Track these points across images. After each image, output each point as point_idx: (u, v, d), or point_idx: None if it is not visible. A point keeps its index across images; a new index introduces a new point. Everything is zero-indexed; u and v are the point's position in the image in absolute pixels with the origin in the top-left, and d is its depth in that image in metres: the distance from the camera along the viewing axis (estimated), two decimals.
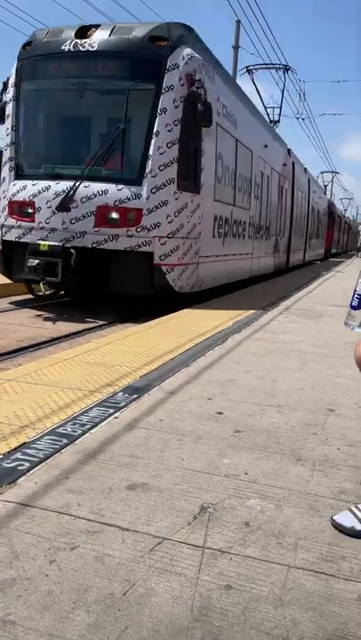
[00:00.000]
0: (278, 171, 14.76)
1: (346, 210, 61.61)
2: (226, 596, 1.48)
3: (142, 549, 1.67)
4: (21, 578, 1.51)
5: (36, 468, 2.16)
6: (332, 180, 42.96)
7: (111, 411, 2.87)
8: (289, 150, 16.99)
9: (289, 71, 18.45)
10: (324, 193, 34.48)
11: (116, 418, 2.78)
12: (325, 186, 40.04)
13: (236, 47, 18.17)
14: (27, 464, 2.20)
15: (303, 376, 3.86)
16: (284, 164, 15.88)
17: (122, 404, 2.98)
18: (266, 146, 12.82)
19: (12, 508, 1.85)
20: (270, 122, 17.33)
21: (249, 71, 17.62)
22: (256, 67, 17.79)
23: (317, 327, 6.08)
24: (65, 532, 1.74)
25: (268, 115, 17.67)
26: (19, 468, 2.16)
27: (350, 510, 1.89)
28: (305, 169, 21.12)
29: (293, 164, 17.20)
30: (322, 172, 40.96)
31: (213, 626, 1.37)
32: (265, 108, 18.33)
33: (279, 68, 18.17)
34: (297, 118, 41.19)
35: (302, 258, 21.28)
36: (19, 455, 2.28)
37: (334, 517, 1.87)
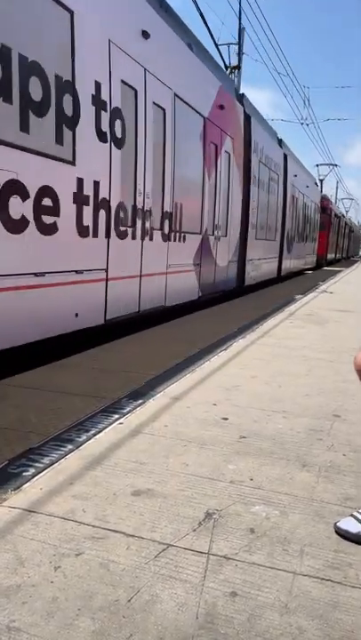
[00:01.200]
0: (205, 115, 8.15)
1: (347, 211, 53.62)
2: (231, 603, 1.47)
3: (147, 556, 1.66)
4: (26, 584, 1.51)
5: (41, 474, 2.16)
6: (330, 172, 34.94)
7: (116, 416, 2.87)
8: (241, 96, 10.79)
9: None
10: (317, 184, 27.03)
11: (121, 424, 2.78)
12: (321, 180, 32.75)
13: (239, 54, 18.23)
14: (32, 470, 2.20)
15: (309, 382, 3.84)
16: (221, 108, 8.89)
17: (126, 410, 2.98)
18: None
19: (18, 514, 1.85)
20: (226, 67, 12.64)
21: None
22: None
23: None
24: (70, 539, 1.73)
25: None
26: (24, 473, 2.17)
27: (353, 516, 1.87)
28: (279, 139, 14.47)
29: (249, 119, 10.50)
30: (317, 165, 33.36)
31: (219, 633, 1.36)
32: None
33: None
34: (301, 124, 41.12)
35: (276, 269, 14.26)
36: (24, 461, 2.28)
37: (338, 524, 1.86)
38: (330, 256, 29.76)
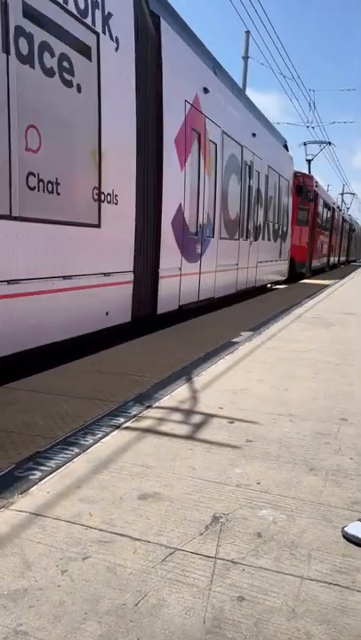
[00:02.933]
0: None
1: (348, 208, 45.60)
2: (238, 608, 1.47)
3: (154, 560, 1.66)
4: (33, 588, 1.51)
5: (47, 478, 2.17)
6: (321, 152, 24.00)
7: (122, 420, 2.87)
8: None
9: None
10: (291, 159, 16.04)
11: (128, 427, 2.78)
12: (309, 161, 23.53)
13: (245, 57, 18.28)
14: (38, 473, 2.20)
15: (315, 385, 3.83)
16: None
17: (133, 413, 2.98)
18: None
19: (25, 518, 1.86)
20: None
21: None
22: None
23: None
24: (77, 542, 1.73)
25: None
26: (31, 477, 2.17)
27: None
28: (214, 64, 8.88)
29: (158, 21, 6.33)
30: (305, 143, 24.00)
31: (226, 638, 1.36)
32: None
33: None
34: (307, 127, 40.98)
35: (176, 299, 7.31)
36: (31, 464, 2.28)
37: (346, 528, 1.85)
38: (315, 263, 20.48)
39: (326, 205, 22.89)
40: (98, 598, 1.48)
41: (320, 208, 20.51)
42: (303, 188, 16.77)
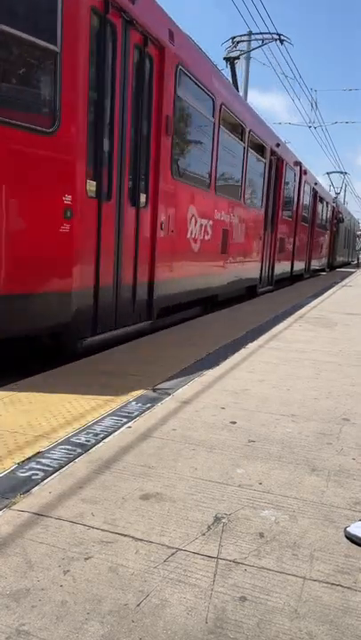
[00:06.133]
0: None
1: (338, 193, 29.80)
2: (241, 608, 1.47)
3: (156, 560, 1.66)
4: (35, 588, 1.51)
5: (50, 478, 2.17)
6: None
7: (124, 420, 2.88)
8: None
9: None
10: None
11: (130, 427, 2.78)
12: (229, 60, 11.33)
13: (247, 58, 18.25)
14: (41, 473, 2.21)
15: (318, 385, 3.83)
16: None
17: (135, 414, 2.99)
18: None
19: (27, 518, 1.86)
20: None
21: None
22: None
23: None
24: (79, 542, 1.74)
25: None
26: (33, 477, 2.17)
27: None
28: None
29: None
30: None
31: (228, 638, 1.36)
32: None
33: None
34: (309, 127, 40.94)
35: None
36: (33, 464, 2.29)
37: (348, 529, 1.85)
38: (278, 271, 12.28)
39: (316, 193, 17.05)
40: (100, 598, 1.48)
41: (300, 184, 14.04)
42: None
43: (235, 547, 1.75)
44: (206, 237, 7.32)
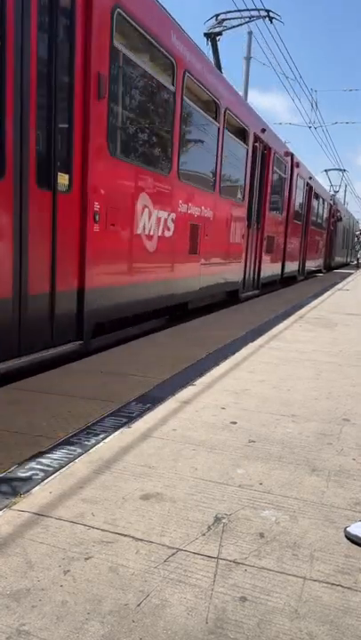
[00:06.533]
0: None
1: (336, 192, 27.86)
2: (241, 608, 1.47)
3: (156, 560, 1.66)
4: (36, 588, 1.51)
5: (50, 478, 2.17)
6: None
7: (125, 420, 2.88)
8: None
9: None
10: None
11: (130, 427, 2.78)
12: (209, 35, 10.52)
13: (247, 58, 18.25)
14: (41, 473, 2.21)
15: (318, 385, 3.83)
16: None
17: (135, 414, 2.99)
18: None
19: (27, 518, 1.86)
20: None
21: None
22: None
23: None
24: (79, 542, 1.74)
25: None
26: (33, 477, 2.17)
27: None
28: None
29: None
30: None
31: (229, 638, 1.36)
32: None
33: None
34: (309, 127, 40.80)
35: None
36: (33, 464, 2.29)
37: (348, 529, 1.85)
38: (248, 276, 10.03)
39: (303, 180, 14.83)
40: (100, 598, 1.48)
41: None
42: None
43: (235, 547, 1.75)
44: (167, 234, 5.91)
